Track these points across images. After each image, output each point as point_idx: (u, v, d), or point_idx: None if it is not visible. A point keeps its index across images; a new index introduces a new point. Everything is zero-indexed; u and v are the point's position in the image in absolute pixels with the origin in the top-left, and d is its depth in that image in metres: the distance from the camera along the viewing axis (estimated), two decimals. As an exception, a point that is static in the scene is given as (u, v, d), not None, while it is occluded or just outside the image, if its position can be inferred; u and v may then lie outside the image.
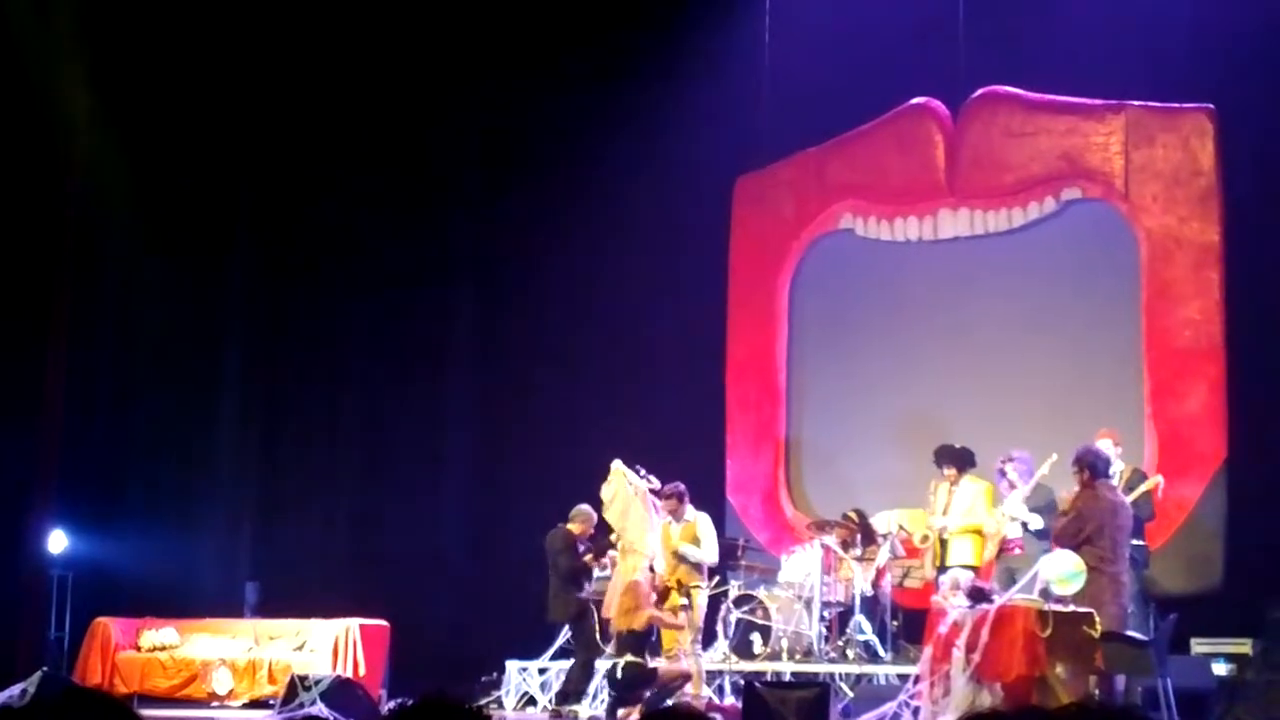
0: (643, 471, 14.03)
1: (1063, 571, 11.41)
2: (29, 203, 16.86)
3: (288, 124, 18.18)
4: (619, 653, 12.77)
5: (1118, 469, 13.35)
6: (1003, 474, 13.76)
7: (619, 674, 12.65)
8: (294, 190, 18.38)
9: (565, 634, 14.71)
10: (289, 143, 18.22)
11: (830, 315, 17.04)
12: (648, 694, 12.37)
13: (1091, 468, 11.94)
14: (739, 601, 14.49)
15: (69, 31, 16.88)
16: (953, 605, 11.46)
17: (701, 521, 13.75)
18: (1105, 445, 13.37)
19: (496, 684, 15.05)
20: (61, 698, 2.93)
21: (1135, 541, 13.16)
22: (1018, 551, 13.58)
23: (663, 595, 13.16)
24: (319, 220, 18.42)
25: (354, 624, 15.01)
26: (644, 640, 12.88)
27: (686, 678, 12.90)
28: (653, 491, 13.92)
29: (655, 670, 12.70)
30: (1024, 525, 13.55)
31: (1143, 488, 13.19)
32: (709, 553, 13.70)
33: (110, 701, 2.98)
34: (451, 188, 18.27)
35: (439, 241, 18.38)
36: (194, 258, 18.13)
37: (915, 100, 16.38)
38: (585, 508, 14.20)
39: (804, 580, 14.57)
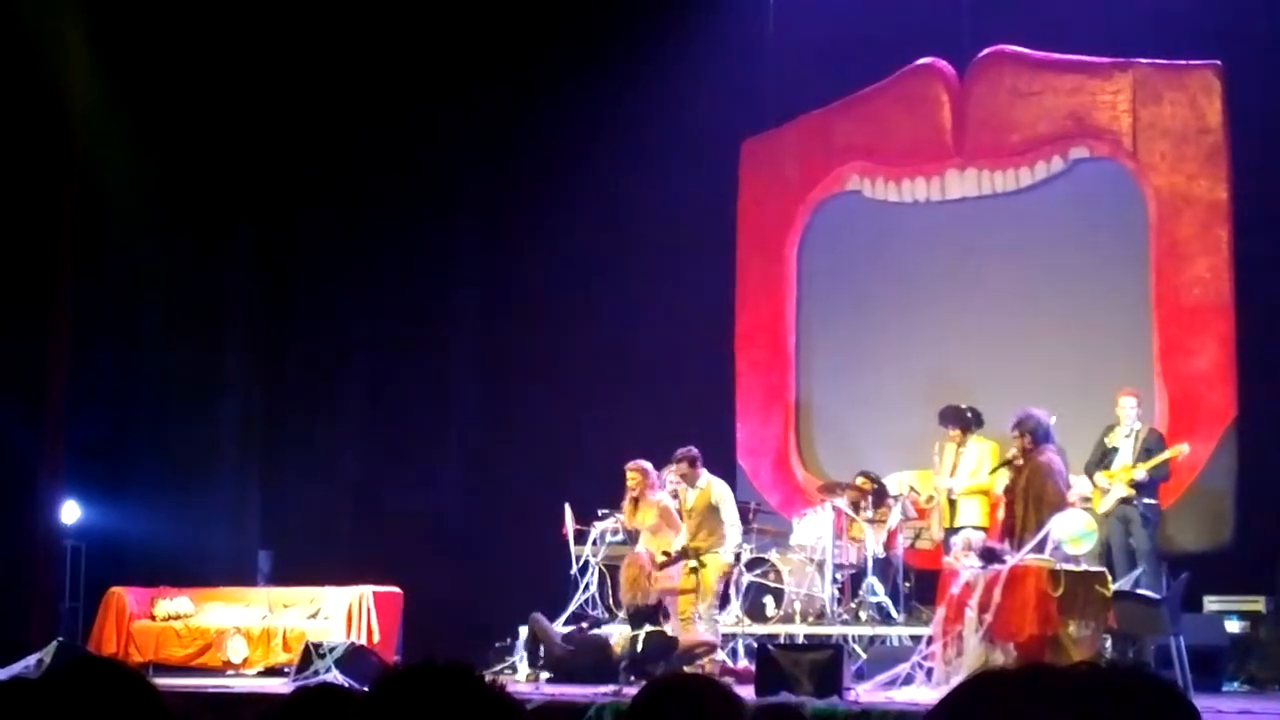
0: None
1: (1074, 531, 11.46)
2: (32, 175, 16.84)
3: (291, 99, 18.15)
4: (635, 624, 12.79)
5: (1135, 429, 13.39)
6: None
7: (639, 645, 12.67)
8: (300, 163, 18.35)
9: (578, 599, 14.73)
10: (293, 114, 18.21)
11: (838, 277, 17.03)
12: (665, 663, 12.39)
13: (1033, 433, 12.03)
14: (751, 565, 14.51)
15: (72, 16, 16.84)
16: (965, 566, 11.49)
17: (718, 487, 13.59)
18: (1127, 404, 13.42)
19: (510, 649, 15.08)
20: (75, 667, 2.95)
21: (1148, 500, 13.25)
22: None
23: (674, 563, 13.17)
24: (323, 190, 18.41)
25: (368, 591, 15.03)
26: (658, 610, 12.89)
27: (710, 647, 12.90)
28: (660, 467, 13.84)
29: (676, 639, 12.71)
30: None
31: (1167, 454, 13.23)
32: (734, 529, 13.55)
33: (125, 671, 2.99)
34: (456, 158, 18.23)
35: (443, 207, 18.37)
36: (199, 226, 18.11)
37: (921, 60, 16.33)
38: None
39: (816, 543, 14.58)
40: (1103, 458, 13.44)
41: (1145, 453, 13.27)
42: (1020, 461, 12.13)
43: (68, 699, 2.83)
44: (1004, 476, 12.57)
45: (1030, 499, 11.89)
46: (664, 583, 13.03)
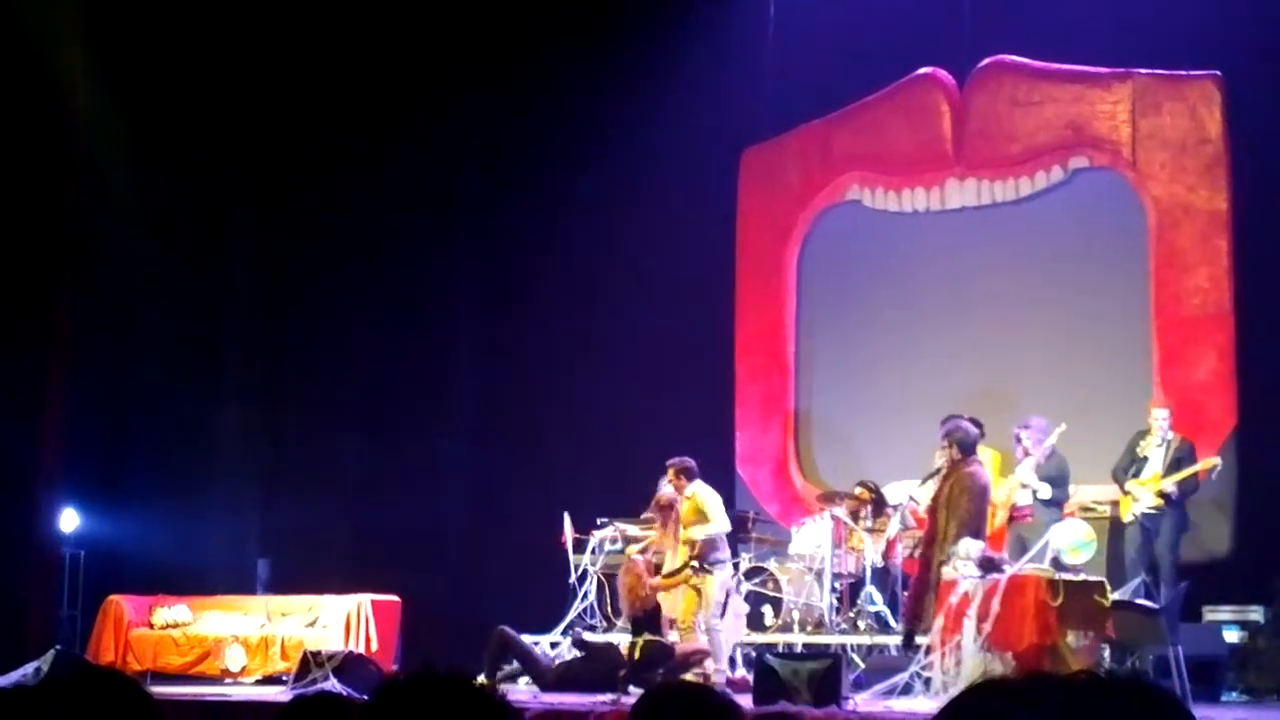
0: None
1: (1074, 540, 11.48)
2: (30, 188, 16.84)
3: (285, 99, 18.15)
4: (635, 632, 12.78)
5: (1167, 439, 13.40)
6: (1019, 440, 13.84)
7: (637, 652, 12.66)
8: (296, 167, 18.36)
9: (577, 608, 14.72)
10: (290, 118, 18.21)
11: (838, 286, 17.04)
12: (663, 671, 12.37)
13: (961, 444, 12.08)
14: (750, 574, 14.51)
15: (70, 23, 16.83)
16: (963, 575, 11.48)
17: (704, 493, 13.39)
18: (1159, 415, 13.44)
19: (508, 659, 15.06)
20: (73, 676, 2.94)
21: (1177, 511, 13.28)
22: (1024, 516, 13.64)
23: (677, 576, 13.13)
24: (321, 197, 18.40)
25: (366, 600, 15.02)
26: (656, 616, 12.86)
27: (705, 654, 12.87)
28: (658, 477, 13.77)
29: (672, 647, 12.70)
30: (1034, 493, 13.61)
31: (1196, 467, 13.27)
32: (719, 522, 13.36)
33: (122, 679, 2.99)
34: (456, 167, 18.24)
35: (443, 219, 18.37)
36: (197, 236, 18.13)
37: (921, 70, 16.35)
38: None
39: (814, 552, 14.57)
40: (1132, 464, 13.46)
41: (1175, 463, 13.30)
42: (946, 471, 12.22)
43: (64, 708, 2.83)
44: (931, 487, 12.66)
45: (950, 510, 11.96)
46: (654, 581, 12.97)
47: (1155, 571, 13.18)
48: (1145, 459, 13.42)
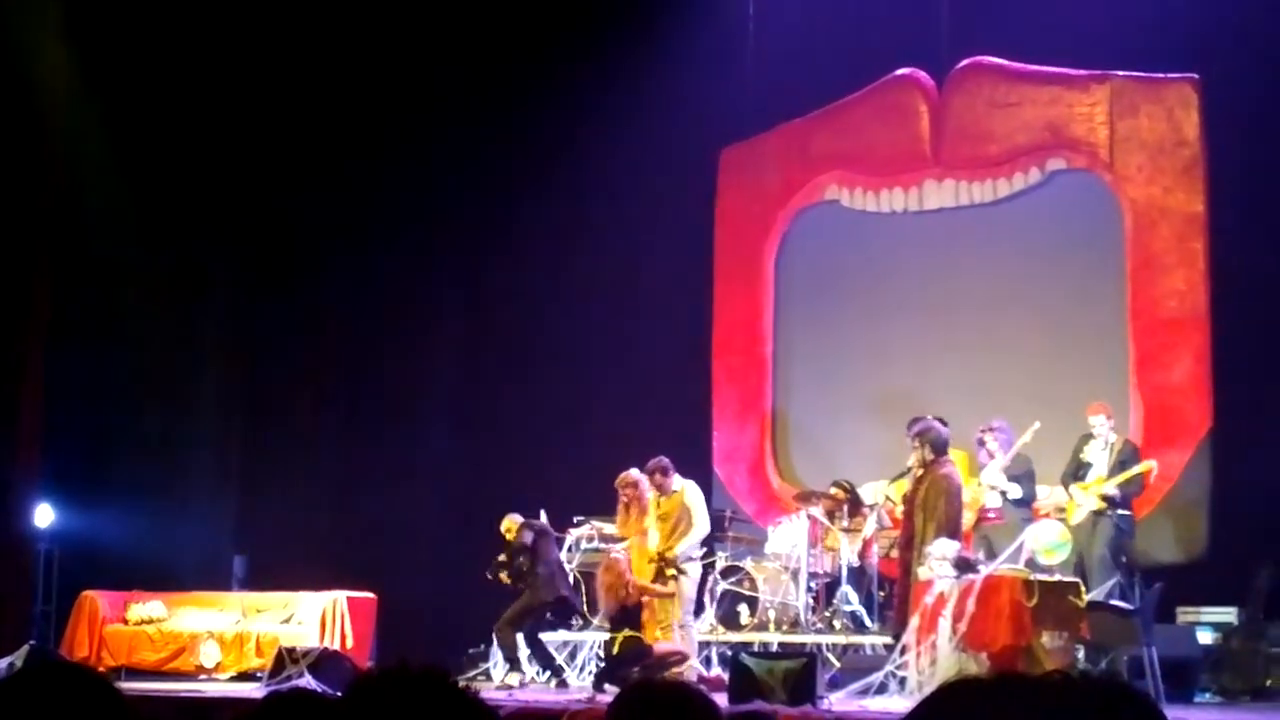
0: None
1: (1049, 542, 11.52)
2: (10, 174, 16.77)
3: (269, 93, 18.12)
4: (614, 629, 12.77)
5: (1110, 442, 13.43)
6: (982, 444, 13.86)
7: (615, 649, 12.66)
8: (275, 162, 18.30)
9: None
10: (274, 116, 18.17)
11: (816, 286, 17.05)
12: (639, 669, 12.37)
13: (934, 444, 12.12)
14: (726, 573, 14.52)
15: (53, 25, 16.76)
16: (939, 575, 11.50)
17: (689, 490, 13.42)
18: (1098, 420, 13.47)
19: (484, 656, 15.06)
20: (37, 672, 2.92)
21: (1122, 511, 13.30)
22: (993, 518, 13.67)
23: (656, 571, 13.12)
24: (300, 190, 18.35)
25: (341, 596, 15.01)
26: (636, 613, 12.85)
27: (683, 657, 12.87)
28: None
29: (651, 646, 12.69)
30: (1003, 494, 13.64)
31: (1136, 470, 13.28)
32: (701, 524, 13.36)
33: (90, 675, 2.97)
34: (434, 165, 18.21)
35: (423, 213, 18.35)
36: (177, 233, 18.06)
37: (900, 71, 16.37)
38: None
39: (790, 551, 14.59)
40: (1078, 470, 13.49)
41: (1120, 465, 13.32)
42: (920, 472, 12.25)
43: (29, 704, 2.81)
44: (903, 485, 12.67)
45: (927, 512, 11.99)
46: (636, 580, 12.96)
47: (1106, 573, 13.19)
48: (1089, 464, 13.46)
